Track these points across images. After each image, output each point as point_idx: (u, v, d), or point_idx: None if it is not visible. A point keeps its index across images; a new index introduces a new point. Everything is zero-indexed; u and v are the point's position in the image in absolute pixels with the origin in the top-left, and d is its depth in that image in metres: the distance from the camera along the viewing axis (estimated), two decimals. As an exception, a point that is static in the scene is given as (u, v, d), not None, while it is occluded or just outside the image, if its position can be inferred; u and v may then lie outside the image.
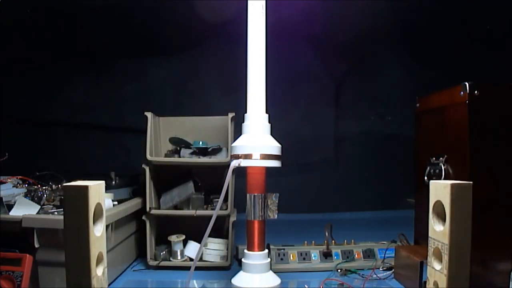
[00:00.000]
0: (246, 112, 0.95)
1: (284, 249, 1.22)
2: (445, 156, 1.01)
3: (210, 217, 0.90)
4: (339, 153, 2.28)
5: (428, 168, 1.07)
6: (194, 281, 1.14)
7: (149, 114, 1.28)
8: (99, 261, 0.54)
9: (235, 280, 0.91)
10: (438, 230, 0.59)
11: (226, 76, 1.94)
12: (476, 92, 0.92)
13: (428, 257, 0.63)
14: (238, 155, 0.89)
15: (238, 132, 0.97)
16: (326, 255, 1.21)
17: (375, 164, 2.21)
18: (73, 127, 2.10)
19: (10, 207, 0.97)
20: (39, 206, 1.00)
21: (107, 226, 0.98)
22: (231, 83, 1.57)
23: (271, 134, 0.94)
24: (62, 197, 1.06)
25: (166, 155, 1.36)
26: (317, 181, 2.23)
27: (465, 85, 0.92)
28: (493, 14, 2.02)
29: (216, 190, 1.26)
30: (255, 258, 0.90)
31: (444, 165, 1.01)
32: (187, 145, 1.34)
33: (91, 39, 1.97)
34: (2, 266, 0.83)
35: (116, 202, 1.18)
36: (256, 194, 0.91)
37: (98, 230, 0.53)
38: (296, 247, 1.23)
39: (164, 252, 1.25)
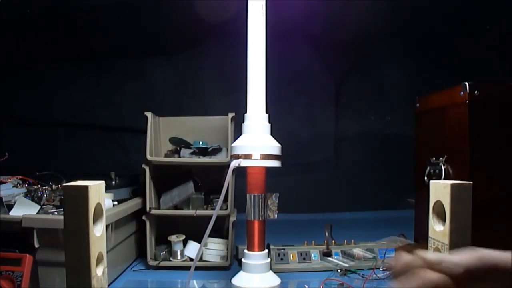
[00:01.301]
0: (246, 112, 0.95)
1: (284, 249, 1.22)
2: (445, 156, 1.01)
3: (210, 217, 0.90)
4: (339, 153, 2.28)
5: (428, 168, 1.07)
6: (194, 281, 1.14)
7: (149, 114, 1.29)
8: (99, 261, 0.54)
9: (235, 280, 0.91)
10: (438, 230, 0.59)
11: (226, 76, 1.94)
12: (476, 92, 0.92)
13: (428, 257, 0.63)
14: (238, 155, 0.90)
15: (238, 132, 0.97)
16: (326, 255, 1.21)
17: (375, 164, 2.21)
18: (73, 127, 2.10)
19: (10, 207, 0.97)
20: (39, 206, 1.00)
21: (107, 226, 0.98)
22: (231, 83, 1.57)
23: (271, 134, 0.94)
24: (62, 197, 1.06)
25: (166, 155, 1.36)
26: (317, 181, 2.22)
27: (465, 85, 0.92)
28: (493, 14, 2.02)
29: (216, 190, 1.26)
30: (255, 258, 0.90)
31: (444, 165, 1.00)
32: (187, 145, 1.34)
33: (91, 39, 1.97)
34: (2, 266, 0.83)
35: (116, 202, 1.18)
36: (256, 194, 0.91)
37: (98, 230, 0.53)
38: (296, 247, 1.23)
39: (164, 252, 1.25)
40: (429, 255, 0.42)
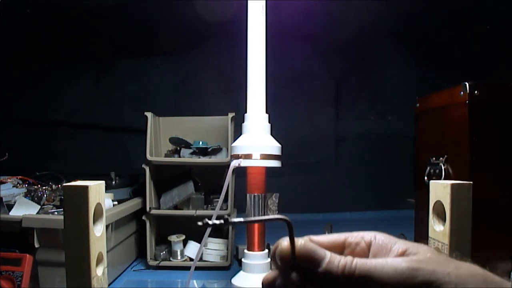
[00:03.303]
0: (246, 112, 0.95)
1: (284, 249, 1.21)
2: (445, 156, 1.01)
3: (210, 217, 0.90)
4: (339, 153, 2.28)
5: (428, 168, 1.07)
6: (194, 281, 1.14)
7: (149, 114, 1.29)
8: (99, 261, 0.54)
9: (235, 280, 0.91)
10: (438, 230, 0.59)
11: (226, 76, 1.94)
12: (476, 92, 0.92)
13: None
14: (238, 155, 0.90)
15: (238, 132, 0.97)
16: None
17: (375, 164, 2.21)
18: (73, 127, 2.10)
19: (10, 207, 0.97)
20: (39, 206, 1.00)
21: (107, 226, 0.98)
22: (231, 83, 1.57)
23: (271, 134, 0.94)
24: (62, 197, 1.06)
25: (166, 155, 1.36)
26: (317, 181, 2.22)
27: (465, 85, 0.92)
28: (493, 14, 2.02)
29: (216, 190, 1.26)
30: (255, 258, 0.90)
31: (444, 165, 1.00)
32: (187, 145, 1.34)
33: (91, 39, 1.97)
34: (2, 266, 0.83)
35: (116, 202, 1.18)
36: (256, 194, 0.91)
37: (98, 230, 0.53)
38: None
39: (164, 252, 1.25)
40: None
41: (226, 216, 0.32)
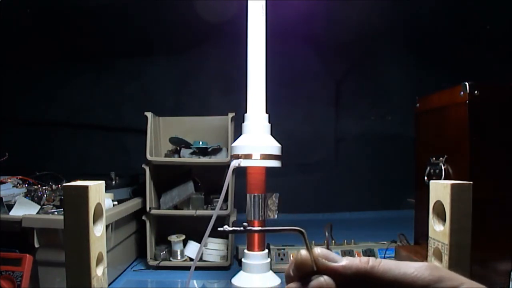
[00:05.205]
0: (246, 112, 0.95)
1: (284, 249, 1.22)
2: (445, 156, 1.01)
3: (210, 217, 0.90)
4: (339, 153, 2.28)
5: (428, 168, 1.06)
6: (194, 281, 1.14)
7: (149, 114, 1.29)
8: (99, 261, 0.54)
9: (235, 280, 0.91)
10: (438, 230, 0.59)
11: (226, 76, 1.94)
12: (476, 92, 0.92)
13: (428, 257, 0.63)
14: (238, 155, 0.90)
15: (238, 132, 0.97)
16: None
17: (375, 164, 2.21)
18: (73, 127, 2.10)
19: (10, 207, 0.97)
20: (39, 206, 1.00)
21: (107, 226, 0.98)
22: (231, 83, 1.57)
23: (271, 134, 0.94)
24: (62, 197, 1.06)
25: (166, 155, 1.36)
26: (317, 181, 2.22)
27: (465, 85, 0.92)
28: (493, 14, 2.02)
29: (216, 190, 1.26)
30: (255, 258, 0.90)
31: (444, 165, 1.00)
32: (187, 145, 1.34)
33: (91, 39, 1.97)
34: (2, 266, 0.83)
35: (116, 202, 1.18)
36: (256, 194, 0.91)
37: (98, 230, 0.53)
38: (296, 247, 1.23)
39: (164, 252, 1.25)
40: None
41: (244, 224, 0.34)
